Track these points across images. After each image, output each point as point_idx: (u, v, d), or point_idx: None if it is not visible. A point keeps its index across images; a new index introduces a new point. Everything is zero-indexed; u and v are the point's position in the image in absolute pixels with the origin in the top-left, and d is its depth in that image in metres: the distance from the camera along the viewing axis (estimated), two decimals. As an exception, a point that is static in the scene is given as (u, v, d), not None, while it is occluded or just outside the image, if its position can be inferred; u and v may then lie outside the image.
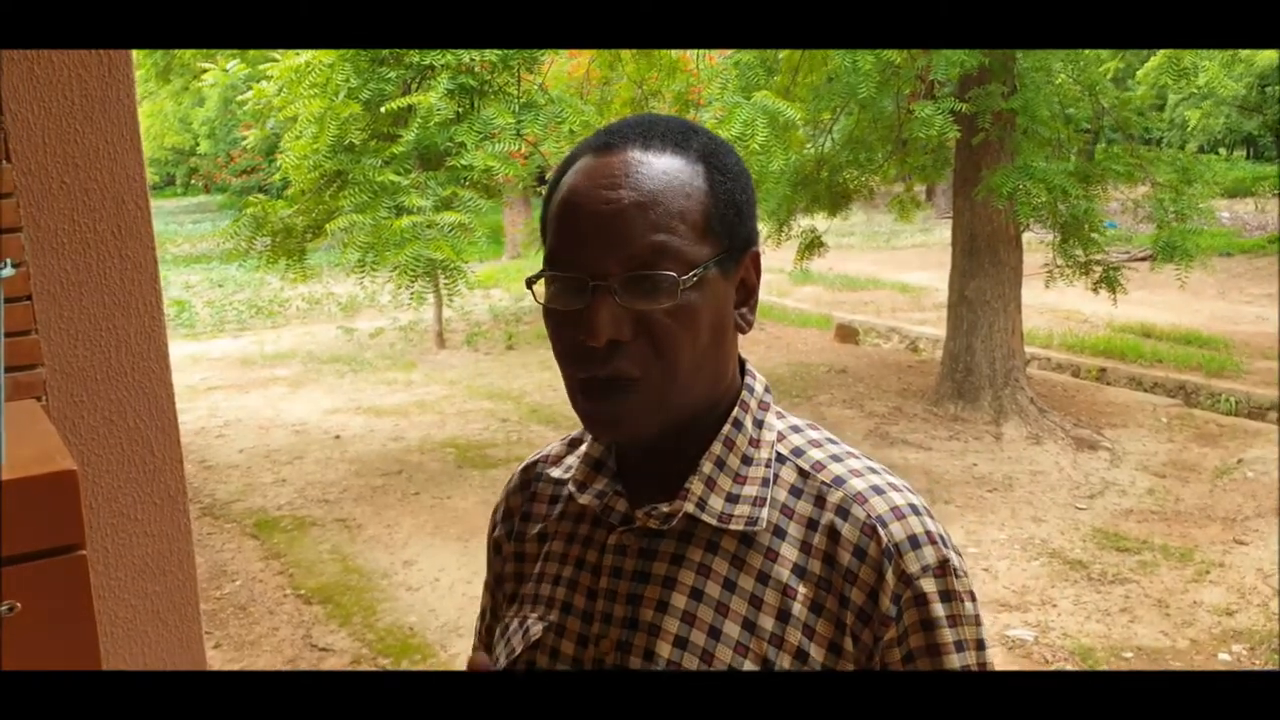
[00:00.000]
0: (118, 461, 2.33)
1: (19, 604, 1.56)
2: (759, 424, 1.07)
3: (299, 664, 4.86)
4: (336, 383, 10.35)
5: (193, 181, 32.71)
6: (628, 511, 1.07)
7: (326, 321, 13.73)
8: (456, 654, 4.91)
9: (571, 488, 1.12)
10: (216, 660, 4.85)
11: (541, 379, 10.15)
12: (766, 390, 1.10)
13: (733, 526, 1.02)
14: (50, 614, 1.61)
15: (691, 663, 1.01)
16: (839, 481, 1.03)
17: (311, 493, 7.11)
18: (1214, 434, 8.07)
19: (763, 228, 8.90)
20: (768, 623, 1.00)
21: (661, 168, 0.99)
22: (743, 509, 1.02)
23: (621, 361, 0.98)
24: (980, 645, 1.01)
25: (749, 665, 1.00)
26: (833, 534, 1.00)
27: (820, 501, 1.02)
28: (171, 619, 2.43)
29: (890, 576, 0.98)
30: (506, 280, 16.04)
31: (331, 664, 4.86)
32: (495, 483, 7.21)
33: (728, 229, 1.01)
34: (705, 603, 1.02)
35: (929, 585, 0.98)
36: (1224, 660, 4.74)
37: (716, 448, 1.04)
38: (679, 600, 1.02)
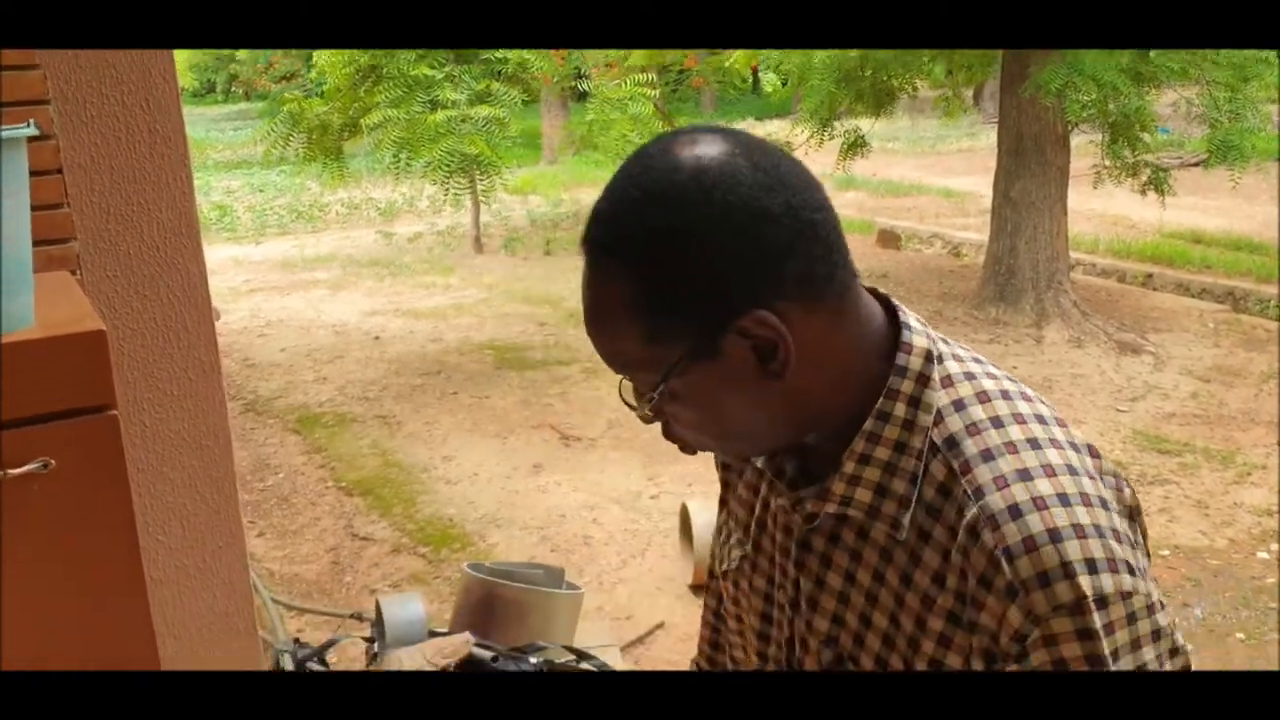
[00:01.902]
0: (151, 336, 2.35)
1: (53, 460, 1.59)
2: (914, 403, 0.96)
3: (340, 552, 4.97)
4: (375, 286, 10.40)
5: (233, 89, 32.66)
6: (795, 478, 1.05)
7: (365, 226, 13.76)
8: (495, 544, 5.00)
9: None
10: (260, 548, 4.97)
11: (578, 284, 10.10)
12: (932, 359, 0.97)
13: (881, 524, 0.98)
14: (84, 474, 1.64)
15: (847, 641, 1.01)
16: (979, 494, 0.91)
17: (352, 390, 7.19)
18: (1261, 339, 7.93)
19: (804, 129, 8.75)
20: (908, 625, 0.96)
21: (592, 292, 0.97)
22: (889, 507, 0.97)
23: (674, 438, 1.01)
24: (1139, 644, 0.89)
25: (895, 662, 0.98)
26: (964, 552, 0.91)
27: (961, 512, 0.92)
28: (208, 493, 2.47)
29: (1015, 615, 0.88)
30: (544, 186, 15.95)
31: (372, 552, 4.96)
32: (533, 384, 7.26)
33: (685, 325, 0.92)
34: (857, 588, 1.00)
35: (1060, 626, 0.86)
36: (1262, 558, 4.71)
37: (859, 444, 0.96)
38: (834, 580, 1.02)
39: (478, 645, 2.71)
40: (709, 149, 0.90)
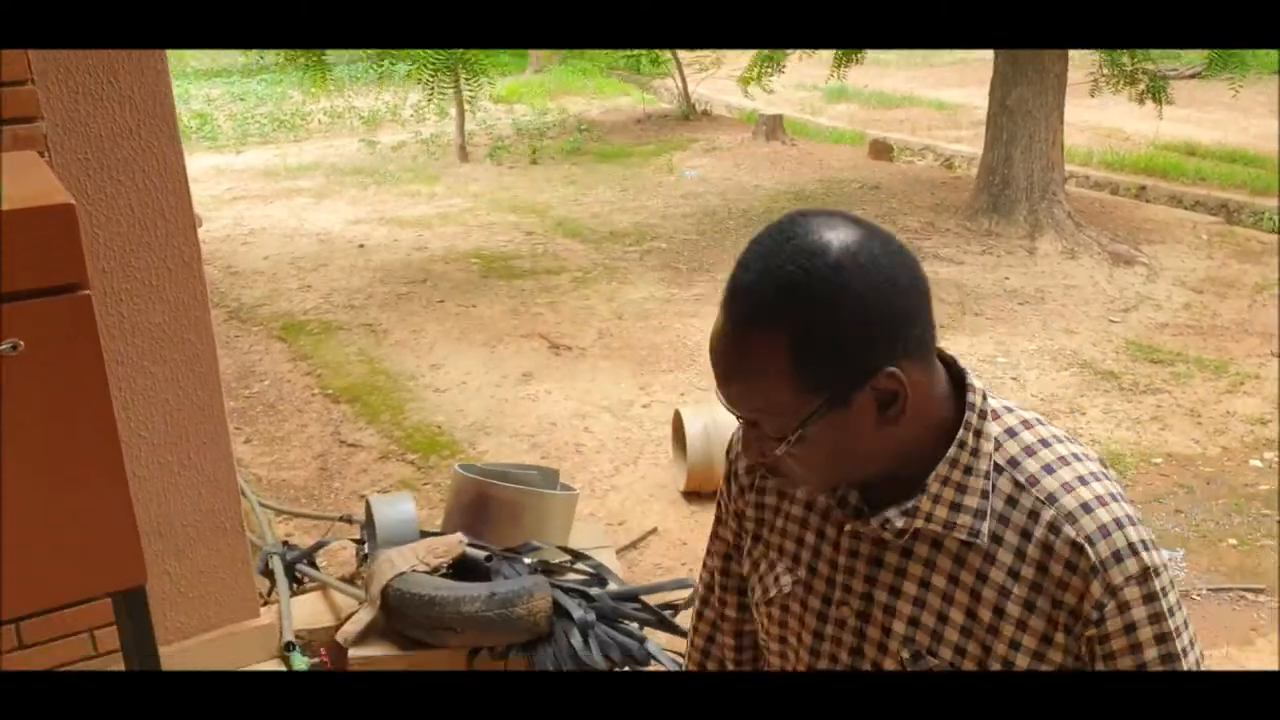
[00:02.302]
0: (127, 224, 2.25)
1: (22, 342, 1.50)
2: (978, 434, 1.16)
3: (328, 458, 4.91)
4: (359, 194, 10.21)
5: (209, -6, 31.73)
6: (860, 506, 1.20)
7: (348, 135, 13.48)
8: (485, 451, 4.95)
9: None
10: (247, 454, 4.90)
11: (566, 193, 9.98)
12: (985, 398, 1.18)
13: (957, 534, 1.15)
14: (56, 357, 1.56)
15: (924, 638, 1.16)
16: (1052, 499, 1.13)
17: (337, 299, 7.08)
18: (1255, 251, 7.87)
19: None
20: (986, 614, 1.13)
21: (742, 348, 1.09)
22: (965, 519, 1.14)
23: (777, 471, 1.17)
24: (1173, 612, 1.11)
25: (972, 647, 1.14)
26: (1046, 547, 1.11)
27: (1034, 516, 1.13)
28: (191, 389, 2.39)
29: (1096, 587, 1.09)
30: (530, 95, 15.63)
31: (360, 459, 4.91)
32: (522, 293, 7.16)
33: (830, 379, 1.08)
34: (933, 592, 1.16)
35: (1132, 593, 1.09)
36: (1255, 466, 4.70)
37: (943, 469, 1.14)
38: (910, 587, 1.17)
39: (471, 545, 2.67)
40: (848, 234, 1.08)
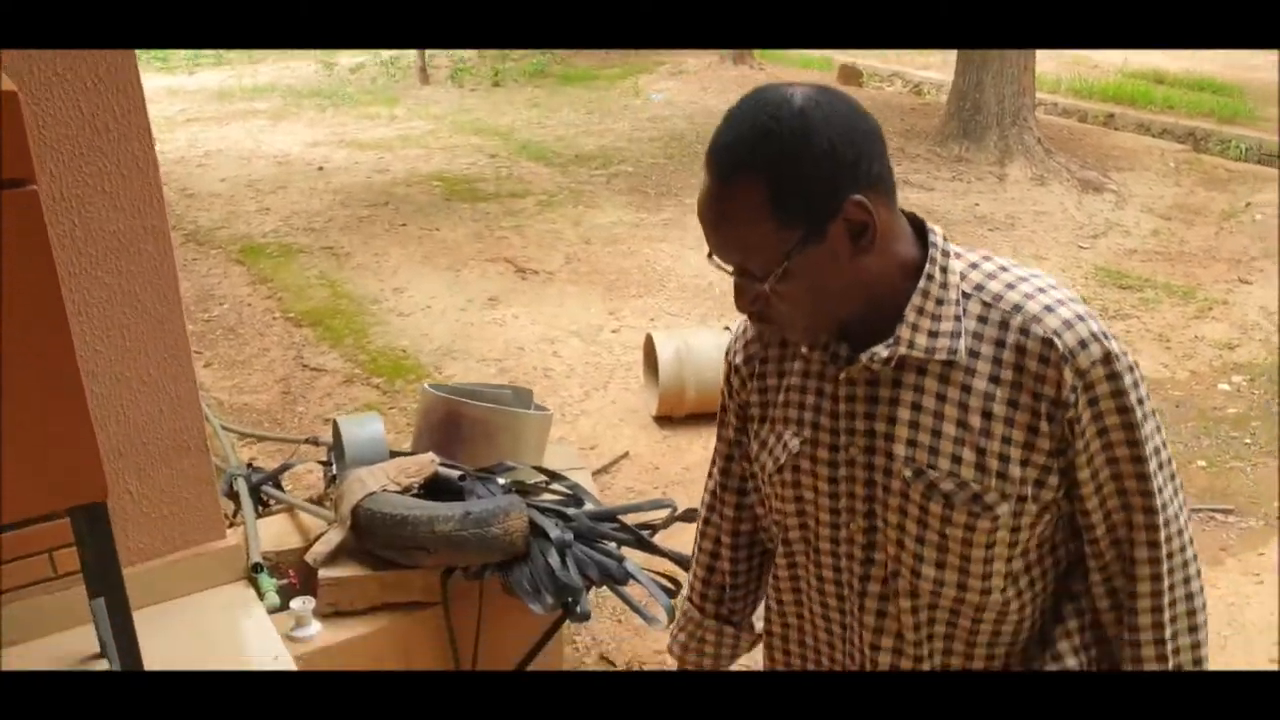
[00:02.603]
0: (76, 126, 2.12)
1: (-33, 239, 1.39)
2: (944, 270, 1.28)
3: (291, 382, 4.80)
4: (317, 116, 9.95)
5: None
6: (850, 354, 1.32)
7: (305, 57, 13.12)
8: (451, 375, 4.86)
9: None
10: (208, 378, 4.78)
11: (529, 116, 9.77)
12: (945, 240, 1.31)
13: (937, 356, 1.27)
14: (3, 255, 1.45)
15: (923, 455, 1.28)
16: (1018, 309, 1.26)
17: (296, 221, 6.91)
18: (1222, 179, 7.87)
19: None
20: (975, 421, 1.26)
21: (726, 198, 1.21)
22: (943, 341, 1.26)
23: (766, 317, 1.28)
24: (1142, 401, 1.26)
25: (967, 453, 1.26)
26: (1019, 349, 1.24)
27: (1004, 325, 1.26)
28: (149, 301, 2.28)
29: (1068, 374, 1.22)
30: (493, 17, 15.27)
31: (324, 383, 4.80)
32: (486, 216, 7.02)
33: (805, 212, 1.19)
34: (924, 413, 1.28)
35: (1097, 374, 1.23)
36: (1223, 389, 4.72)
37: (916, 299, 1.27)
38: (904, 413, 1.29)
39: (443, 465, 2.59)
40: (809, 89, 1.22)
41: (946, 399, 1.27)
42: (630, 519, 2.63)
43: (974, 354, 1.26)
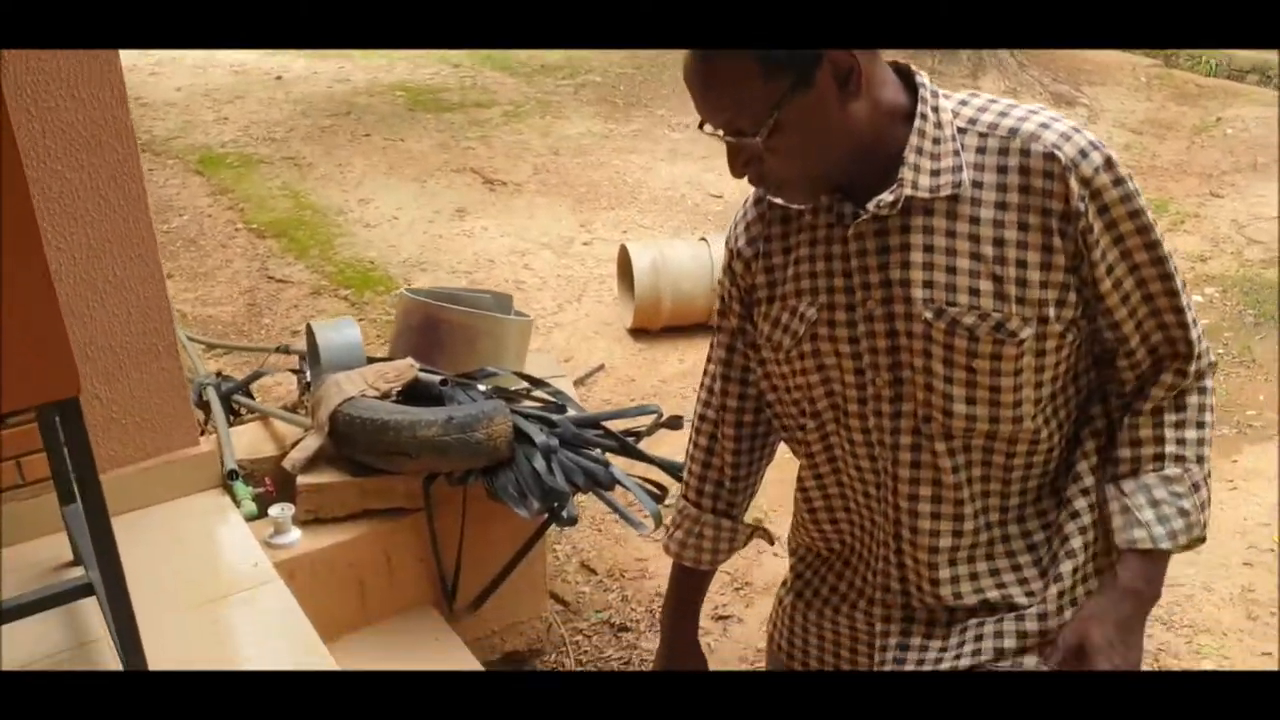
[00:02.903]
0: None
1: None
2: (936, 110, 1.29)
3: (256, 294, 4.69)
4: (274, 25, 9.63)
5: None
6: (855, 210, 1.31)
7: (258, -37, 12.67)
8: (420, 286, 4.76)
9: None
10: (170, 290, 4.65)
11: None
12: (931, 82, 1.31)
13: (942, 193, 1.27)
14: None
15: (940, 294, 1.28)
16: (1014, 132, 1.27)
17: (256, 131, 6.71)
18: (1193, 94, 7.83)
19: None
20: (989, 250, 1.27)
21: (711, 59, 1.22)
22: (946, 178, 1.27)
23: (763, 177, 1.29)
24: (1148, 209, 1.27)
25: (984, 284, 1.27)
26: (1023, 170, 1.25)
27: (1004, 151, 1.27)
28: (114, 198, 2.18)
29: (1074, 183, 1.23)
30: (453, -76, 14.81)
31: (291, 295, 4.69)
32: (451, 127, 6.85)
33: (790, 60, 1.20)
34: (937, 252, 1.28)
35: (1102, 180, 1.24)
36: (1196, 301, 4.73)
37: (914, 140, 1.27)
38: (917, 256, 1.29)
39: (423, 371, 2.53)
40: None
41: (957, 234, 1.27)
42: (615, 425, 2.59)
43: (977, 185, 1.27)
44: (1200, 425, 1.33)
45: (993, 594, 1.38)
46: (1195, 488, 1.32)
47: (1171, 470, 1.31)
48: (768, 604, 2.92)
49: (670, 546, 1.64)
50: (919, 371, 1.31)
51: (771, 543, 1.68)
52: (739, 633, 2.82)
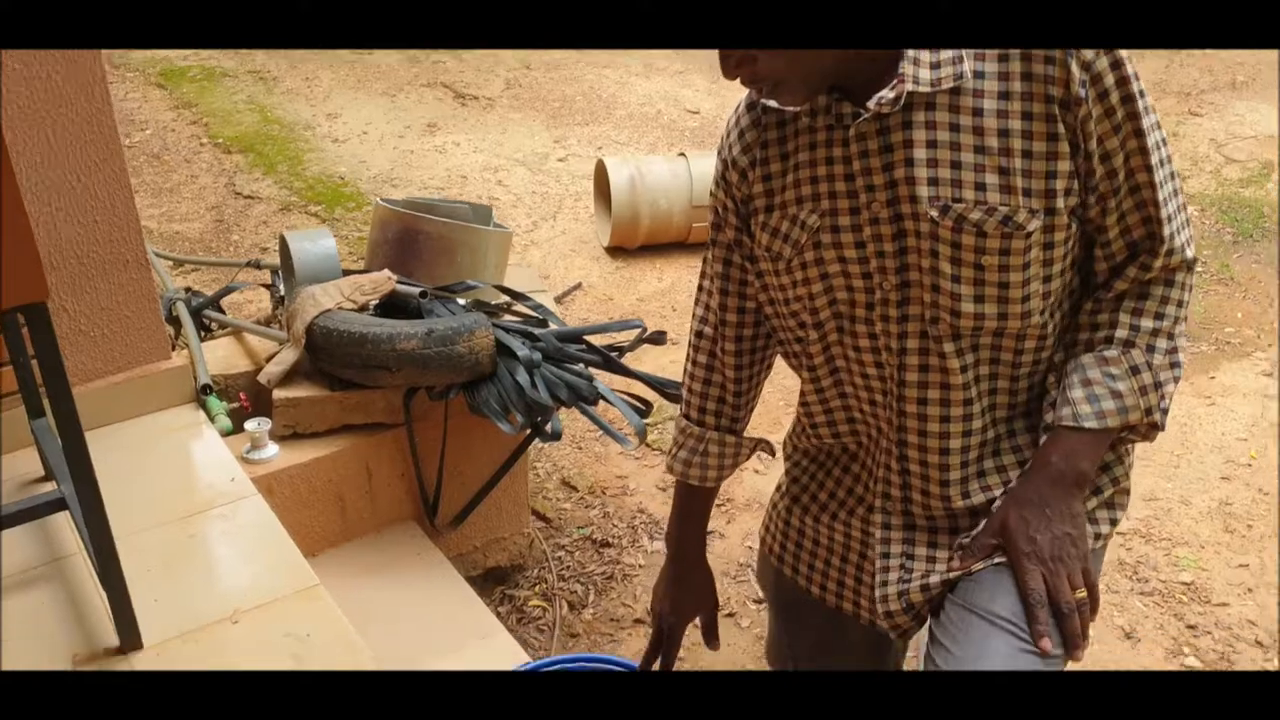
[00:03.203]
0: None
1: None
2: None
3: (224, 210, 4.57)
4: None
5: None
6: (855, 109, 1.27)
7: None
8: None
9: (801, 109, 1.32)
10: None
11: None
12: None
13: (943, 86, 1.22)
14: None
15: (946, 190, 1.24)
16: None
17: (218, 44, 6.51)
18: None
19: None
20: (993, 142, 1.22)
21: None
22: (946, 70, 1.22)
23: (758, 78, 1.24)
24: (1144, 94, 1.23)
25: (990, 177, 1.23)
26: (1025, 56, 1.21)
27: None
28: (73, 95, 2.08)
29: (1075, 68, 1.19)
30: None
31: (259, 211, 4.58)
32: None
33: None
34: (940, 148, 1.24)
35: (1102, 63, 1.20)
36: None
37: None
38: (920, 153, 1.24)
39: (400, 283, 2.46)
40: None
41: (960, 128, 1.23)
42: (598, 340, 2.54)
43: (979, 75, 1.22)
44: (1159, 316, 1.30)
45: (999, 491, 1.36)
46: (1134, 370, 1.29)
47: (1110, 352, 1.29)
48: (749, 519, 2.91)
49: (674, 466, 1.61)
50: (926, 272, 1.27)
51: (773, 454, 1.66)
52: (721, 548, 2.81)
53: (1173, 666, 2.41)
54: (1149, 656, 2.44)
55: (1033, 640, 1.24)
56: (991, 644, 1.25)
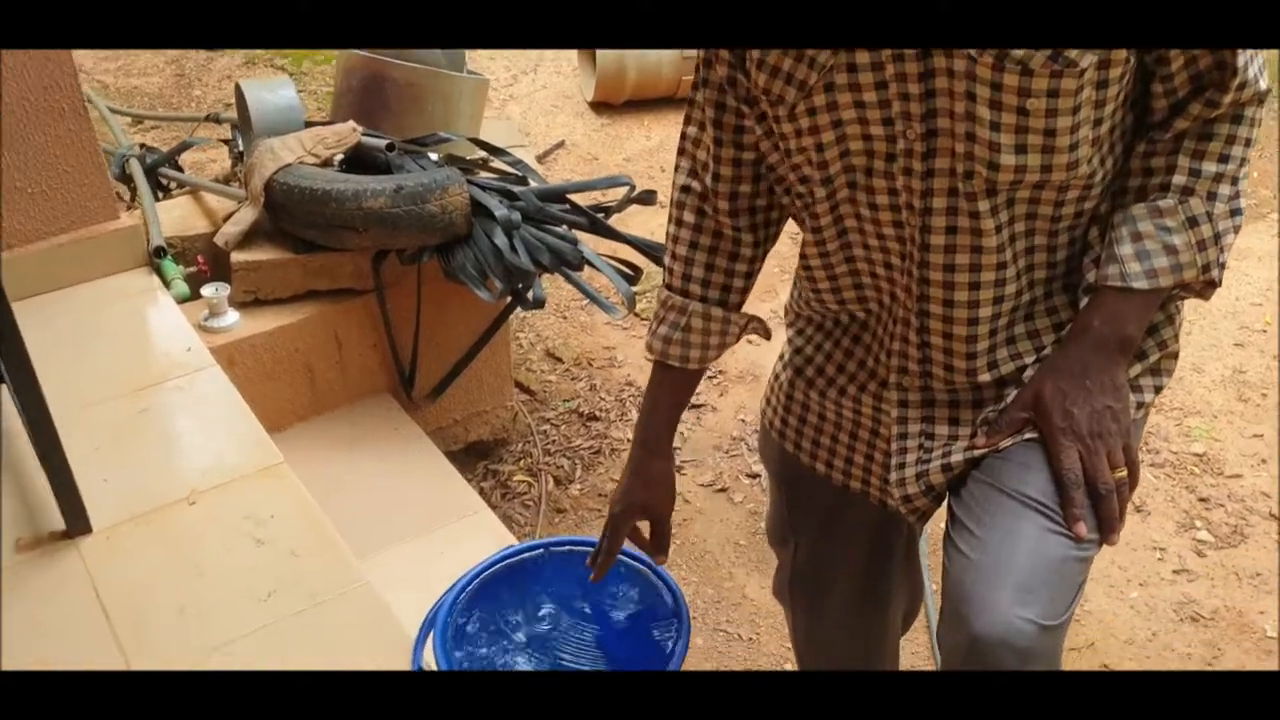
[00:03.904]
0: None
1: None
2: None
3: (184, 64, 4.30)
4: None
5: None
6: None
7: None
8: (363, 57, 4.40)
9: None
10: (86, 60, 4.25)
11: None
12: None
13: None
14: None
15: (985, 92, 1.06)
16: None
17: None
18: None
19: None
20: None
21: None
22: None
23: None
24: None
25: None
26: None
27: None
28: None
29: None
30: None
31: (222, 65, 4.31)
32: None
33: None
34: None
35: None
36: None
37: None
38: None
39: (366, 135, 2.26)
40: None
41: None
42: (582, 200, 2.36)
43: None
44: (1224, 159, 1.13)
45: (1030, 360, 1.21)
46: (1191, 222, 1.12)
47: (1166, 201, 1.12)
48: (742, 392, 2.78)
49: (653, 345, 1.38)
50: (959, 119, 1.08)
51: (768, 336, 1.44)
52: (713, 421, 2.69)
53: (1183, 540, 2.32)
54: (1159, 530, 2.34)
55: (1066, 524, 1.11)
56: (1020, 526, 1.12)
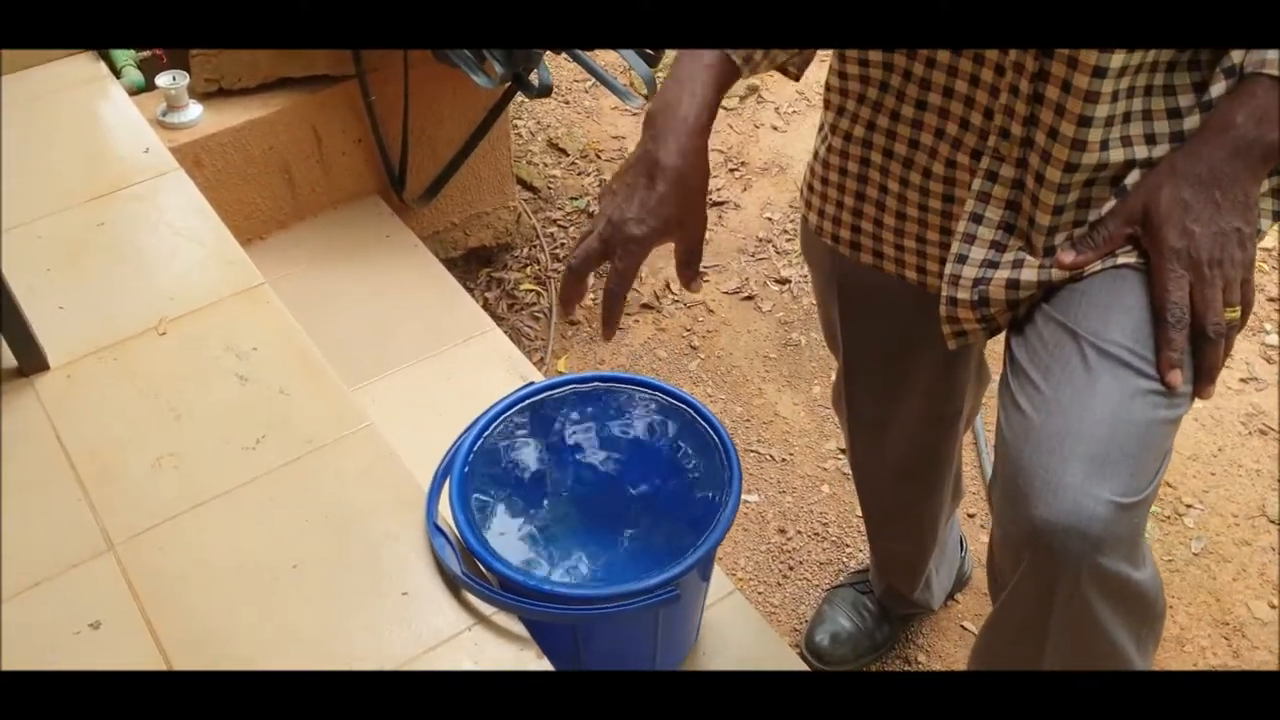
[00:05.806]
0: None
1: None
2: None
3: None
4: None
5: None
6: None
7: None
8: None
9: None
10: None
11: None
12: None
13: None
14: None
15: None
16: None
17: None
18: None
19: None
20: None
21: None
22: None
23: None
24: None
25: None
26: None
27: None
28: None
29: None
30: None
31: None
32: None
33: None
34: None
35: None
36: None
37: None
38: None
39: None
40: None
41: None
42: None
43: None
44: None
45: (1140, 151, 0.97)
46: None
47: None
48: (768, 187, 2.53)
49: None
50: None
51: (797, 78, 1.14)
52: (736, 221, 2.45)
53: (1251, 345, 2.14)
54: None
55: (1158, 370, 0.90)
56: (1099, 384, 0.91)
